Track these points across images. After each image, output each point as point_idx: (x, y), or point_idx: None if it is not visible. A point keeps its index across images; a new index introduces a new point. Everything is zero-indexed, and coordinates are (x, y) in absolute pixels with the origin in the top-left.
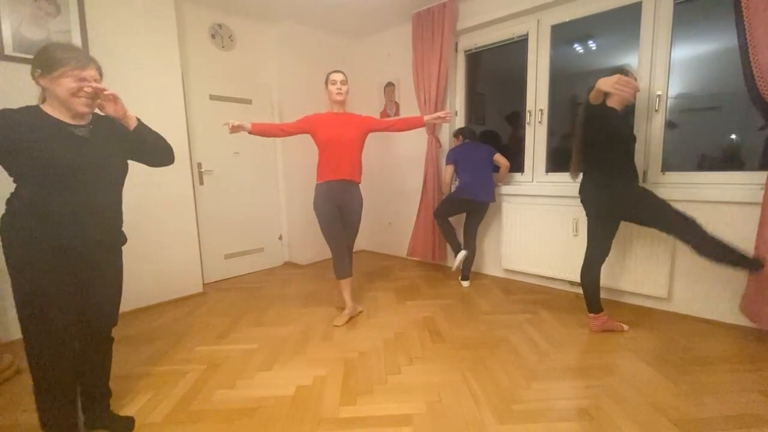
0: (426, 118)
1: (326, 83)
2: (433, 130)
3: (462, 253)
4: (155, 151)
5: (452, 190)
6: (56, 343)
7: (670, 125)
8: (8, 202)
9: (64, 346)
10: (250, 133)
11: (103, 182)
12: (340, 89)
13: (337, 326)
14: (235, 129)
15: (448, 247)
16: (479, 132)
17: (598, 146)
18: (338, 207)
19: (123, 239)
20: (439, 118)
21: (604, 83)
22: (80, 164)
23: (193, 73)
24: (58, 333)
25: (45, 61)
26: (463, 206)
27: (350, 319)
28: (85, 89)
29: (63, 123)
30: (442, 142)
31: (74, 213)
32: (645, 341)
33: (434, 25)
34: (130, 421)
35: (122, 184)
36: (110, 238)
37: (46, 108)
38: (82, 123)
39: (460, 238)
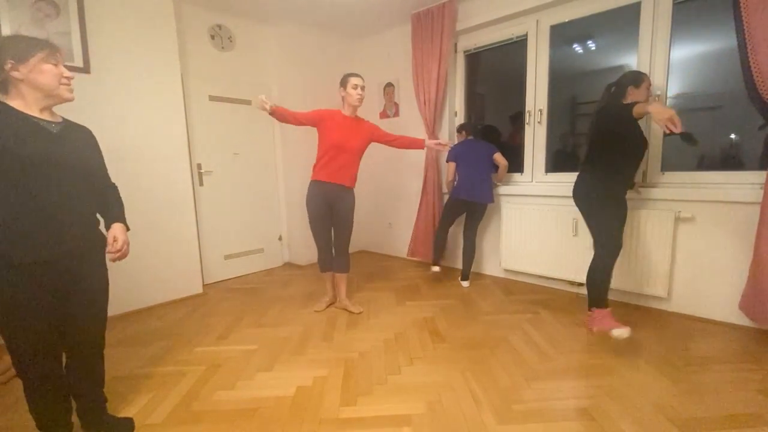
0: (427, 142)
1: (345, 85)
2: (435, 133)
3: (435, 268)
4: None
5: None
6: (38, 351)
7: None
8: None
9: (47, 353)
10: (270, 114)
11: (78, 178)
12: (361, 94)
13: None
14: (262, 104)
15: (448, 248)
16: (480, 127)
17: (616, 148)
18: (329, 206)
19: (102, 239)
20: (439, 144)
21: (660, 114)
22: (52, 158)
23: (192, 74)
24: (38, 343)
25: (17, 50)
26: (461, 208)
27: (329, 306)
28: (66, 75)
29: (33, 117)
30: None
31: (52, 216)
32: (645, 341)
33: (433, 25)
34: (129, 423)
35: (97, 182)
36: (90, 236)
37: (12, 102)
38: (52, 120)
39: (458, 242)
